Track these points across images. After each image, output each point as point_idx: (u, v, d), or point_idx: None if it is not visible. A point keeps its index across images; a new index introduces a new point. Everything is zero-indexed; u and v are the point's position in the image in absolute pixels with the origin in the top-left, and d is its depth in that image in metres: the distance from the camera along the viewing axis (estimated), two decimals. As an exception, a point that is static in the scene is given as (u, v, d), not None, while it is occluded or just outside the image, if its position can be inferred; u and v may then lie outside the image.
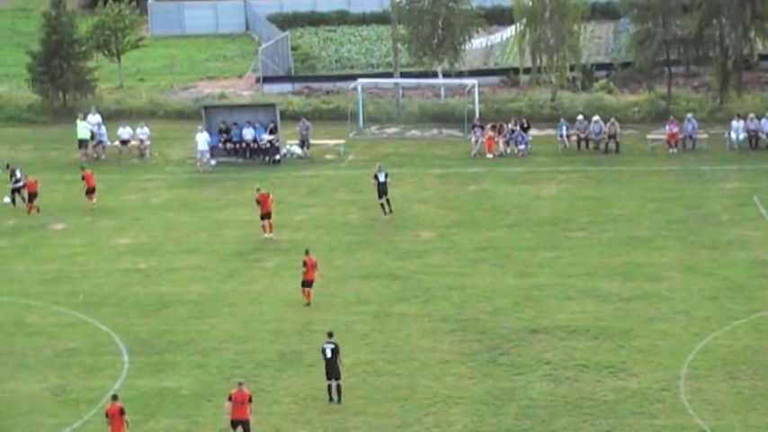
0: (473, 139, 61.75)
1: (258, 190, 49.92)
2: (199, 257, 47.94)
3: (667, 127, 61.08)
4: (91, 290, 44.88)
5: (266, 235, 49.28)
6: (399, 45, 71.31)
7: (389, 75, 72.13)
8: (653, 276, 44.25)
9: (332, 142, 63.47)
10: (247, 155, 61.50)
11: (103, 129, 63.18)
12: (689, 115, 61.84)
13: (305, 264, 42.62)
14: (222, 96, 72.86)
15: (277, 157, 61.07)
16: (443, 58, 70.02)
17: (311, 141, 62.36)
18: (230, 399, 33.00)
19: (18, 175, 55.30)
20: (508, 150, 61.36)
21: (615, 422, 34.01)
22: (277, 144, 61.21)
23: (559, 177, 57.11)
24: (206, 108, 64.02)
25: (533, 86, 69.96)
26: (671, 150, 60.50)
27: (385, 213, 51.96)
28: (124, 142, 63.38)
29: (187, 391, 36.58)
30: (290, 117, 65.60)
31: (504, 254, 47.15)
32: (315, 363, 37.31)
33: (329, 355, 35.35)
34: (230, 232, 50.72)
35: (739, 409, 34.51)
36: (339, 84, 74.34)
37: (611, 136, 61.06)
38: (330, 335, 35.87)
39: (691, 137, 61.05)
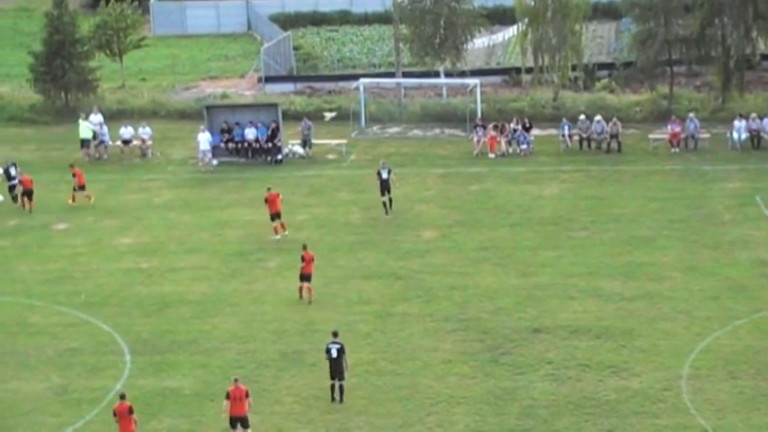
0: (475, 139, 61.75)
1: (269, 189, 49.99)
2: (201, 257, 47.96)
3: (669, 127, 61.07)
4: (93, 290, 44.90)
5: (274, 236, 49.22)
6: (401, 45, 71.33)
7: (391, 74, 72.14)
8: (655, 276, 44.24)
9: (334, 142, 63.48)
10: (249, 155, 61.51)
11: (105, 129, 63.22)
12: (691, 115, 61.82)
13: (303, 258, 42.80)
14: (224, 96, 72.89)
15: (279, 156, 61.09)
16: (445, 57, 70.04)
17: (313, 141, 62.38)
18: (228, 397, 33.16)
19: (13, 172, 55.47)
20: (510, 150, 61.36)
21: (617, 422, 34.01)
22: (279, 144, 61.22)
23: (561, 177, 57.11)
24: (208, 108, 64.04)
25: (535, 86, 69.96)
26: (673, 150, 60.49)
27: (386, 213, 52.02)
28: (126, 142, 63.41)
29: (189, 390, 36.59)
30: (292, 117, 65.63)
31: (506, 253, 47.15)
32: (317, 362, 37.34)
33: (335, 354, 35.36)
34: (232, 232, 50.74)
35: (741, 408, 34.50)
36: (341, 83, 74.39)
37: (613, 136, 61.05)
38: (335, 334, 35.89)
39: (693, 136, 61.04)
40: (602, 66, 74.82)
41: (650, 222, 50.17)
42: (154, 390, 36.48)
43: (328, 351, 35.48)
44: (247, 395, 33.24)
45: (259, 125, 61.50)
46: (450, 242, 48.74)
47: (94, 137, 62.74)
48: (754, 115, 60.91)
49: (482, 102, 66.41)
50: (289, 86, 75.37)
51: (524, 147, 61.17)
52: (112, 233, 51.28)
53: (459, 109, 67.61)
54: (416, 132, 66.43)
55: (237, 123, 61.96)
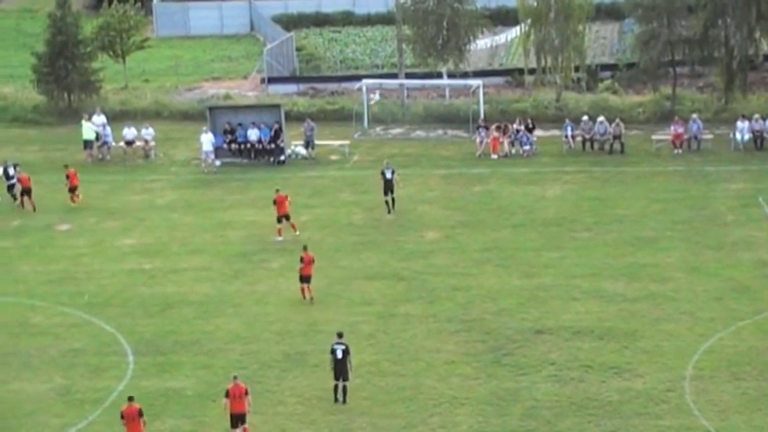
0: (478, 140, 61.73)
1: (277, 191, 50.02)
2: (203, 258, 47.97)
3: (672, 127, 61.04)
4: (96, 290, 44.92)
5: (277, 238, 49.24)
6: (404, 46, 71.32)
7: (394, 75, 72.12)
8: (658, 277, 44.23)
9: (337, 143, 63.48)
10: (252, 155, 61.51)
11: (108, 129, 63.21)
12: (694, 116, 61.79)
13: (302, 260, 42.84)
14: (227, 97, 72.89)
15: (282, 157, 61.09)
16: (448, 58, 70.02)
17: (316, 142, 62.38)
18: (227, 395, 33.32)
19: (11, 171, 55.58)
20: (513, 151, 61.35)
21: (620, 423, 34.00)
22: (282, 145, 61.23)
23: (564, 178, 57.09)
24: (211, 109, 64.04)
25: (538, 87, 69.95)
26: (676, 151, 60.46)
27: (389, 212, 52.06)
28: (129, 143, 63.41)
29: (192, 391, 36.60)
30: (295, 118, 65.63)
31: (509, 254, 47.15)
32: (320, 363, 37.35)
33: (340, 355, 35.37)
34: (235, 233, 50.75)
35: (744, 409, 34.50)
36: (344, 84, 74.37)
37: (616, 136, 61.02)
38: (340, 335, 35.91)
39: (696, 137, 61.01)
40: (604, 67, 74.79)
41: (653, 223, 50.15)
42: (157, 390, 36.48)
43: (333, 352, 35.48)
44: (246, 393, 33.43)
45: (262, 126, 61.50)
46: (453, 243, 48.73)
47: (97, 138, 62.73)
48: (757, 116, 60.88)
49: (485, 103, 66.36)
50: (291, 87, 75.35)
51: (527, 148, 61.15)
52: (115, 234, 51.29)
53: (461, 110, 67.58)
54: (419, 133, 66.42)
55: (240, 124, 61.94)
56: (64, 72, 69.14)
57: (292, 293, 43.54)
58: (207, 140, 59.95)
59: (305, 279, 42.97)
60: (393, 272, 45.68)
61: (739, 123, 60.75)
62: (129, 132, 63.40)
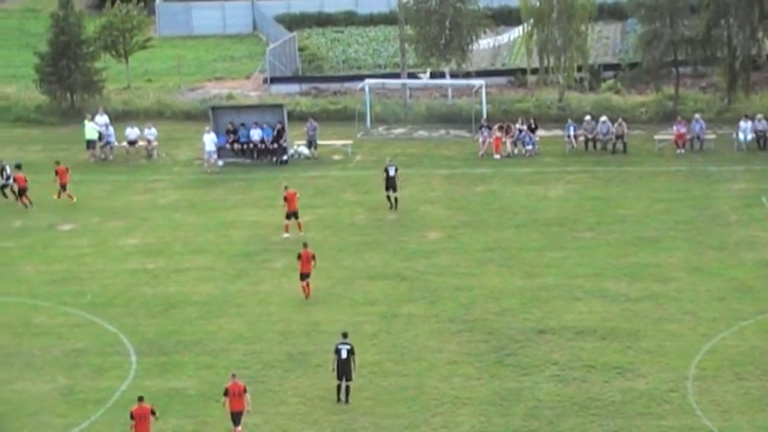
0: (480, 140, 61.74)
1: (286, 188, 50.10)
2: (206, 258, 47.99)
3: (675, 127, 61.03)
4: (98, 290, 44.93)
5: (285, 234, 49.27)
6: (407, 46, 71.33)
7: (397, 75, 72.14)
8: (660, 277, 44.23)
9: (339, 143, 63.49)
10: (255, 155, 61.53)
11: (111, 129, 63.23)
12: (696, 116, 61.78)
13: (299, 257, 42.95)
14: (230, 97, 72.90)
15: (284, 157, 61.10)
16: (451, 58, 70.03)
17: (318, 142, 62.39)
18: (226, 393, 33.45)
19: (8, 171, 55.71)
20: (515, 151, 61.35)
21: (623, 423, 34.00)
22: (284, 145, 61.25)
23: (567, 178, 57.09)
24: (213, 109, 64.07)
25: (541, 87, 69.93)
26: (678, 151, 60.45)
27: (390, 206, 52.19)
28: (132, 143, 63.42)
29: (194, 391, 36.62)
30: (298, 118, 65.63)
31: (512, 254, 47.15)
32: (322, 363, 37.37)
33: (344, 355, 35.39)
34: (238, 233, 50.76)
35: (747, 409, 34.49)
36: (346, 84, 74.38)
37: (619, 136, 61.01)
38: (345, 335, 35.93)
39: (698, 137, 61.00)
40: (607, 66, 74.78)
41: (656, 223, 50.15)
42: (159, 390, 36.48)
43: (338, 352, 35.49)
44: (245, 391, 33.51)
45: (264, 126, 61.51)
46: (455, 243, 48.74)
47: (100, 138, 62.77)
48: (760, 116, 60.85)
49: (487, 102, 66.37)
50: (294, 87, 75.37)
51: (530, 147, 61.15)
52: (118, 234, 51.31)
53: (464, 110, 67.58)
54: (422, 133, 66.42)
55: (243, 124, 61.95)
56: (67, 72, 69.15)
57: (295, 293, 43.56)
58: (210, 140, 59.96)
59: (303, 276, 43.07)
60: (396, 272, 45.70)
61: (742, 123, 60.73)
62: (132, 132, 63.41)
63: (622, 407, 34.88)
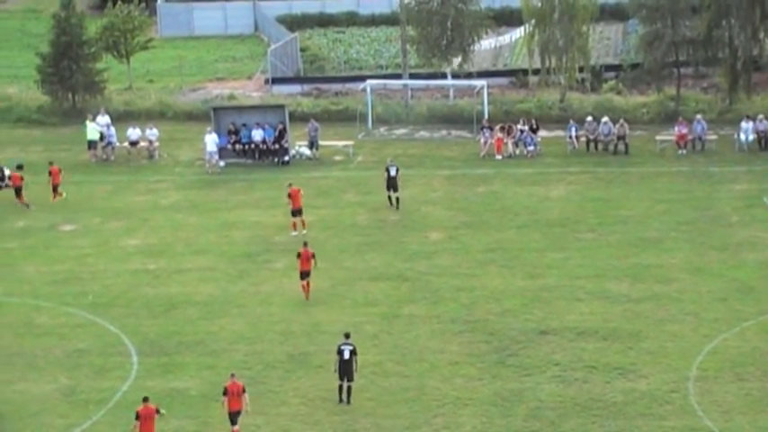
0: (482, 141, 61.75)
1: (290, 185, 50.16)
2: (208, 258, 48.00)
3: (676, 128, 61.02)
4: (100, 291, 44.95)
5: (293, 233, 49.30)
6: (408, 46, 71.33)
7: (398, 76, 72.15)
8: (662, 278, 44.23)
9: (341, 143, 63.51)
10: (256, 156, 61.54)
11: (113, 130, 63.26)
12: (698, 116, 61.79)
13: (299, 255, 43.02)
14: (231, 98, 72.92)
15: (286, 158, 61.11)
16: (452, 59, 70.03)
17: (320, 142, 62.40)
18: (225, 392, 33.51)
19: (6, 171, 55.79)
20: (517, 152, 61.35)
21: (624, 423, 34.00)
22: (286, 145, 61.26)
23: (568, 179, 57.09)
24: (215, 109, 64.08)
25: (542, 88, 69.94)
26: (680, 152, 60.44)
27: (390, 204, 52.31)
28: (133, 143, 63.45)
29: (196, 391, 36.63)
30: (299, 118, 65.64)
31: (513, 255, 47.15)
32: (324, 364, 37.38)
33: (347, 356, 35.40)
34: (239, 233, 50.77)
35: (748, 410, 34.48)
36: (348, 85, 74.39)
37: (620, 137, 61.01)
38: (347, 336, 35.95)
39: (700, 138, 60.99)
40: (609, 67, 74.74)
41: (657, 224, 50.14)
42: (161, 391, 36.46)
43: (341, 352, 35.49)
44: (244, 390, 33.61)
45: (266, 126, 61.53)
46: (456, 244, 48.74)
47: (102, 138, 62.80)
48: (761, 117, 60.85)
49: (489, 103, 66.39)
50: (296, 88, 75.38)
51: (531, 148, 61.16)
52: (119, 234, 51.33)
53: (465, 110, 67.60)
54: (423, 134, 66.43)
55: (244, 125, 61.97)
56: (68, 72, 69.18)
57: (296, 294, 43.57)
58: (211, 141, 59.97)
59: (303, 275, 43.16)
60: (397, 272, 45.70)
61: (743, 124, 60.73)
62: (134, 133, 63.44)
63: (624, 407, 34.88)
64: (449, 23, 69.10)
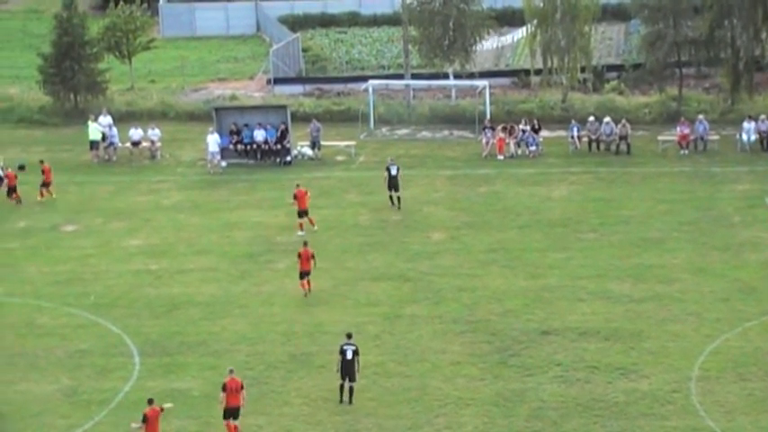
0: (484, 141, 61.74)
1: (297, 186, 50.26)
2: (210, 259, 48.00)
3: (678, 128, 61.00)
4: (102, 291, 44.96)
5: (300, 233, 49.30)
6: (410, 46, 71.33)
7: (400, 76, 72.15)
8: (664, 278, 44.22)
9: (342, 144, 63.51)
10: (258, 156, 61.55)
11: (115, 130, 63.28)
12: (700, 117, 61.77)
13: (299, 255, 43.11)
14: (233, 98, 72.95)
15: (288, 158, 61.12)
16: (454, 59, 70.03)
17: (322, 143, 62.41)
18: (224, 389, 33.58)
19: (1, 173, 55.92)
20: (519, 152, 61.35)
21: (626, 424, 33.99)
22: (288, 146, 61.27)
23: (570, 179, 57.08)
24: (217, 110, 64.09)
25: (544, 88, 69.96)
26: (682, 152, 60.43)
27: (392, 204, 52.32)
28: (135, 144, 63.48)
29: (198, 392, 36.63)
30: (301, 118, 65.66)
31: (515, 255, 47.14)
32: (325, 364, 37.39)
33: (350, 356, 35.40)
34: (241, 234, 50.78)
35: (751, 410, 34.47)
36: (350, 85, 74.41)
37: (622, 137, 61.00)
38: (349, 336, 35.95)
39: (702, 138, 60.97)
40: (611, 67, 74.74)
41: (659, 224, 50.13)
42: (163, 391, 36.44)
43: (343, 352, 35.49)
44: (242, 387, 33.68)
45: (268, 127, 61.53)
46: (458, 244, 48.74)
47: (104, 138, 62.81)
48: (763, 117, 60.83)
49: (491, 103, 66.38)
50: (298, 88, 75.39)
51: (533, 148, 61.15)
52: (121, 235, 51.34)
53: (467, 111, 67.60)
54: (425, 134, 66.43)
55: (246, 125, 61.98)
56: (70, 73, 69.20)
57: (298, 294, 43.59)
58: (213, 141, 59.97)
59: (303, 275, 43.25)
60: (399, 273, 45.70)
61: (745, 124, 60.72)
62: (136, 133, 63.46)
63: (626, 408, 34.87)
64: (451, 24, 69.07)
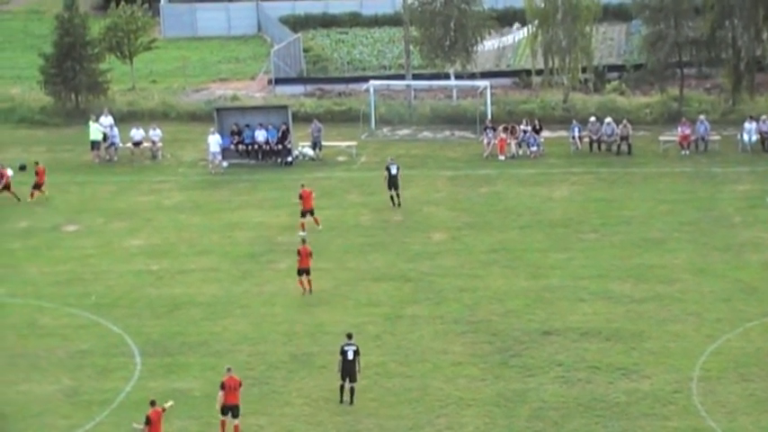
0: (485, 141, 61.75)
1: (303, 186, 50.38)
2: (211, 259, 48.01)
3: (679, 129, 61.00)
4: (103, 291, 44.97)
5: (301, 233, 49.30)
6: (411, 47, 71.33)
7: (401, 76, 72.16)
8: (665, 278, 44.21)
9: (344, 144, 63.51)
10: (259, 157, 61.56)
11: (116, 130, 63.28)
12: (701, 117, 61.76)
13: (299, 253, 43.21)
14: (234, 98, 72.95)
15: (289, 158, 61.13)
16: (455, 59, 70.03)
17: (323, 143, 62.42)
18: (222, 387, 33.64)
19: None
20: (520, 152, 61.35)
21: (627, 424, 33.99)
22: (289, 146, 61.28)
23: (571, 179, 57.08)
24: (218, 110, 64.09)
25: (545, 88, 69.96)
26: (683, 152, 60.42)
27: (393, 204, 52.36)
28: (136, 144, 63.49)
29: (199, 392, 36.62)
30: (302, 119, 65.66)
31: (516, 256, 47.14)
32: (327, 364, 37.39)
33: (351, 356, 35.39)
34: (242, 234, 50.79)
35: (752, 411, 34.48)
36: (351, 85, 74.43)
37: (624, 138, 61.00)
38: (350, 336, 35.94)
39: (703, 138, 60.97)
40: (612, 68, 74.75)
41: (660, 224, 50.13)
42: (164, 391, 36.43)
43: (344, 353, 35.47)
44: (240, 385, 33.71)
45: (269, 127, 61.54)
46: (459, 244, 48.74)
47: (105, 139, 62.81)
48: (764, 117, 60.84)
49: (492, 104, 66.37)
50: (299, 88, 75.39)
51: (534, 149, 61.15)
52: (123, 235, 51.35)
53: (469, 111, 67.61)
54: (426, 134, 66.43)
55: (248, 125, 61.99)
56: (71, 73, 69.20)
57: (299, 295, 43.59)
58: (214, 141, 59.99)
59: (302, 272, 43.39)
60: (400, 273, 45.71)
61: (747, 125, 60.72)
62: (137, 133, 63.47)
63: (627, 408, 34.88)
64: (452, 24, 69.05)
